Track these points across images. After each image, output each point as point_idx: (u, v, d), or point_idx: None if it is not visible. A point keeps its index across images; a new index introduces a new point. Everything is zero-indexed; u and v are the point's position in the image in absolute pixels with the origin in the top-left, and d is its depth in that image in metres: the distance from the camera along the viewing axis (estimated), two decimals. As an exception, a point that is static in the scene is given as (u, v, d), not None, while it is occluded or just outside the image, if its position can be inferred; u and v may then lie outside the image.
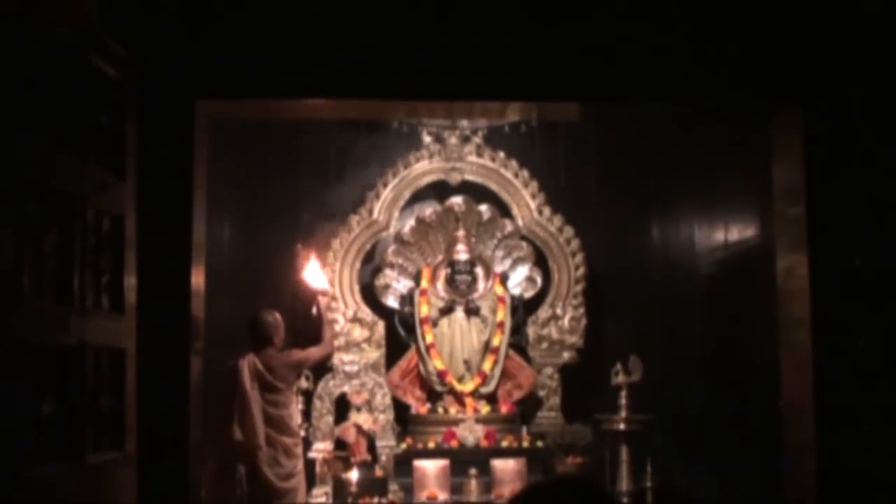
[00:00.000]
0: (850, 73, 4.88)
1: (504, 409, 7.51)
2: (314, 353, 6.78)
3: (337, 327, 7.67)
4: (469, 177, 8.02)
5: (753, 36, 4.93)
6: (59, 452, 3.30)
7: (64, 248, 3.35)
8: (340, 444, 7.08)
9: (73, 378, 3.40)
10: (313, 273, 7.11)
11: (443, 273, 7.83)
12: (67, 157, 3.40)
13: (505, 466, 6.94)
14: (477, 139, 8.02)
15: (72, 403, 3.37)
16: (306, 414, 7.06)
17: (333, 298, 7.51)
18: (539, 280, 7.98)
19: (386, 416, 7.36)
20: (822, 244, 4.91)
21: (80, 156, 3.49)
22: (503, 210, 8.00)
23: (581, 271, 7.94)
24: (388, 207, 7.90)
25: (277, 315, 6.68)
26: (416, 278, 7.82)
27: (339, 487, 6.78)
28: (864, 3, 4.90)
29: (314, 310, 7.00)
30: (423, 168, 7.99)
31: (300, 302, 7.21)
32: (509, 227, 7.97)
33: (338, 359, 7.54)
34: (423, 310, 7.66)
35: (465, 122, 7.93)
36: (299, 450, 6.48)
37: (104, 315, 3.68)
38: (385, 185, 7.91)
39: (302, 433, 6.81)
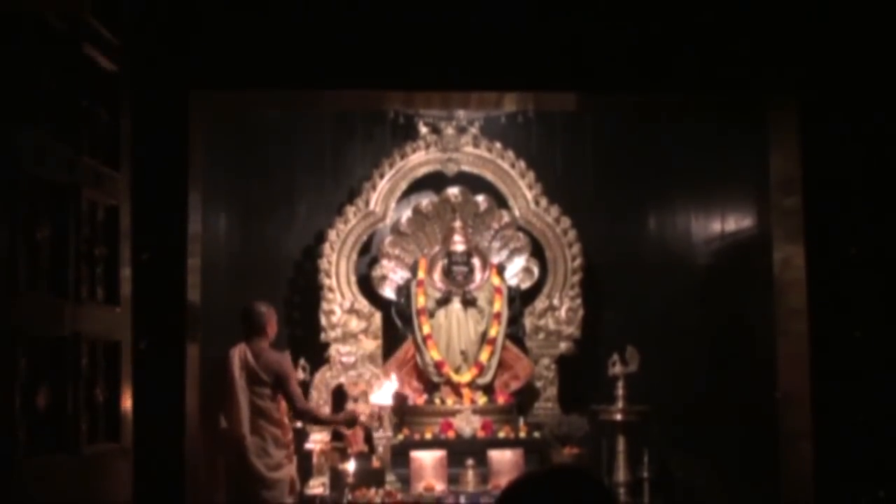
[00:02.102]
0: (846, 64, 4.87)
1: (501, 399, 7.52)
2: (296, 394, 6.48)
3: (334, 318, 7.67)
4: (466, 168, 8.01)
5: (750, 27, 4.92)
6: (55, 444, 3.30)
7: (58, 240, 3.33)
8: (337, 436, 7.08)
9: (68, 370, 3.39)
10: (385, 392, 6.90)
11: (439, 264, 7.82)
12: (61, 147, 3.38)
13: (502, 457, 6.95)
14: (473, 130, 8.01)
15: (67, 395, 3.36)
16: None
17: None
18: (536, 271, 7.97)
19: (383, 407, 7.35)
20: (818, 234, 4.91)
21: (74, 146, 3.48)
22: (500, 201, 7.99)
23: (578, 262, 7.93)
24: (384, 198, 7.89)
25: (271, 307, 6.66)
26: (413, 269, 7.81)
27: (336, 478, 6.77)
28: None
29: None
30: (420, 159, 7.98)
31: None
32: (506, 218, 7.96)
33: (335, 350, 7.54)
34: (420, 301, 7.65)
35: (461, 113, 7.91)
36: (289, 440, 6.47)
37: (99, 306, 3.67)
38: (381, 176, 7.89)
39: (299, 424, 6.80)
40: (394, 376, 7.13)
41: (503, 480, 6.76)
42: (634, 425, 7.08)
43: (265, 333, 6.46)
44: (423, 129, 7.98)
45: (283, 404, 6.45)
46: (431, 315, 7.68)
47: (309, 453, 6.88)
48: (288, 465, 6.33)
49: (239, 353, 6.31)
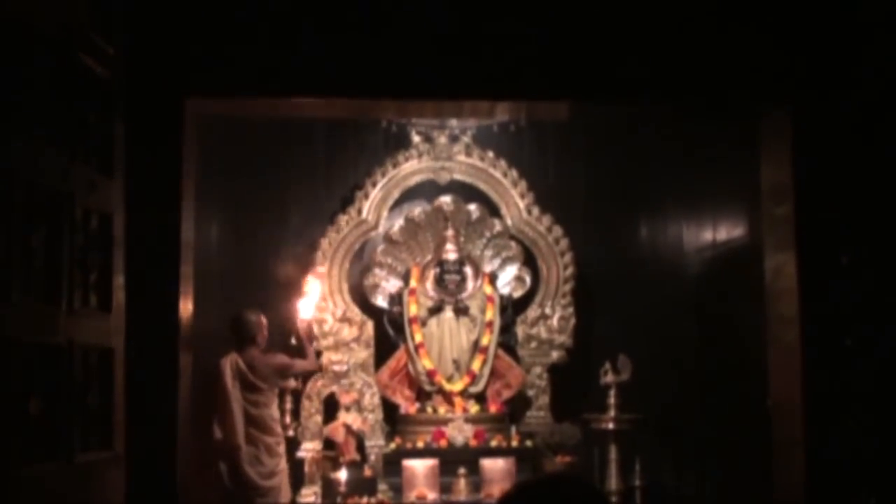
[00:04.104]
0: (838, 73, 4.90)
1: (493, 408, 7.51)
2: (299, 364, 6.73)
3: (326, 327, 7.66)
4: (458, 176, 8.02)
5: (742, 37, 4.95)
6: (47, 452, 3.29)
7: (52, 247, 3.33)
8: (329, 444, 7.07)
9: (61, 377, 3.38)
10: (307, 303, 7.09)
11: (432, 272, 7.82)
12: (55, 155, 3.39)
13: (494, 466, 6.94)
14: (466, 139, 8.02)
15: (60, 403, 3.36)
16: (295, 413, 7.05)
17: (310, 325, 7.35)
18: (528, 279, 7.98)
19: (375, 416, 7.35)
20: (809, 243, 4.93)
21: (68, 154, 3.48)
22: (492, 210, 8.00)
23: (570, 271, 7.95)
24: (377, 207, 7.89)
25: (261, 315, 6.66)
26: (405, 278, 7.81)
27: (328, 487, 6.77)
28: (851, 5, 4.92)
29: (293, 339, 6.96)
30: (412, 167, 7.98)
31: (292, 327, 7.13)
32: (498, 227, 7.97)
33: (327, 358, 7.52)
34: (413, 309, 7.65)
35: (454, 122, 7.92)
36: (281, 449, 6.48)
37: (92, 314, 3.67)
38: (374, 185, 7.90)
39: (290, 432, 6.80)
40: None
41: (495, 489, 6.76)
42: (626, 434, 7.08)
43: (256, 342, 6.46)
44: (416, 138, 7.99)
45: (276, 412, 6.46)
46: (423, 324, 7.68)
47: (301, 462, 6.87)
48: (281, 474, 6.34)
49: (231, 363, 6.32)
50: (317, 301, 7.18)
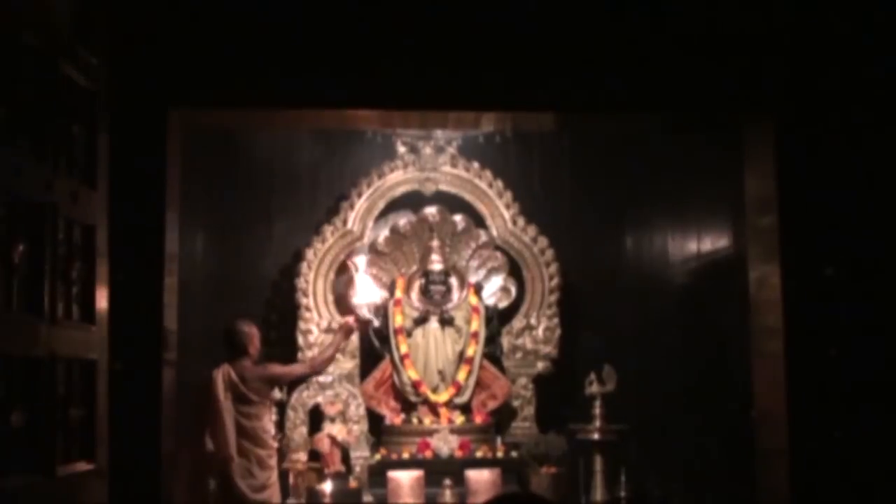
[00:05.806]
0: (821, 83, 4.93)
1: (478, 419, 7.50)
2: (297, 370, 6.73)
3: (311, 338, 7.64)
4: (443, 187, 8.01)
5: (725, 49, 4.97)
6: (29, 464, 3.27)
7: (34, 259, 3.32)
8: (314, 456, 7.05)
9: (44, 389, 3.36)
10: (366, 287, 7.30)
11: (417, 283, 7.82)
12: (38, 166, 3.37)
13: (479, 477, 6.93)
14: (451, 149, 8.02)
15: (42, 415, 3.34)
16: (280, 425, 7.03)
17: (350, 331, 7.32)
18: (513, 290, 7.98)
19: (360, 427, 7.33)
20: (793, 254, 4.95)
21: (51, 165, 3.47)
22: (477, 220, 8.00)
23: (555, 281, 7.95)
24: (362, 218, 7.88)
25: (253, 326, 6.64)
26: (391, 288, 7.81)
27: (313, 499, 6.74)
28: (833, 17, 4.95)
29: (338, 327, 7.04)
30: (398, 178, 7.98)
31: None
32: (484, 238, 7.97)
33: (312, 370, 7.50)
34: (398, 320, 7.64)
35: (439, 133, 7.92)
36: (273, 461, 6.45)
37: (75, 326, 3.65)
38: (359, 196, 7.89)
39: (276, 444, 6.78)
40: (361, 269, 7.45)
41: (480, 500, 6.74)
42: (611, 444, 7.08)
43: (248, 353, 6.44)
44: (401, 149, 7.98)
45: (269, 424, 6.44)
46: (409, 334, 7.67)
47: (285, 473, 6.85)
48: (272, 487, 6.31)
49: (223, 374, 6.29)
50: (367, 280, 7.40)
